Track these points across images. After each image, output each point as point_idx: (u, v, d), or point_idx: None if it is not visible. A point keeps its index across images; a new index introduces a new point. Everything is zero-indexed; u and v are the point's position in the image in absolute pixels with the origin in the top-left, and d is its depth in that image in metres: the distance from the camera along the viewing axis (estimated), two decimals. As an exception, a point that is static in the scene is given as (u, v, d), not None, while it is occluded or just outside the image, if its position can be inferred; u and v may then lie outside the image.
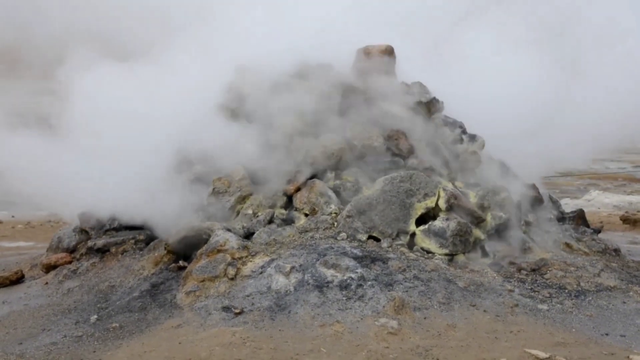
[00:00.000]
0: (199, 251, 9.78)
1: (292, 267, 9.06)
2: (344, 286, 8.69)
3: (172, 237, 10.29)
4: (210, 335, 7.80)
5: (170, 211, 10.76)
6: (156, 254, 10.36)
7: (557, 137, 13.05)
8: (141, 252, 10.77)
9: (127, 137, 11.52)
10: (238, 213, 10.91)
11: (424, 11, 14.78)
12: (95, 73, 12.52)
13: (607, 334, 7.98)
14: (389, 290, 8.64)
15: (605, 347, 7.54)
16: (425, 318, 8.19)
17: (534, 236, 11.09)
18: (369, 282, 8.76)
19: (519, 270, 9.90)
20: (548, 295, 9.09)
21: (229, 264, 9.30)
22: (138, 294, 9.38)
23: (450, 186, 10.90)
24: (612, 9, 15.58)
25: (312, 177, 11.13)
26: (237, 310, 8.36)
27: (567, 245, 11.00)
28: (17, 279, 11.16)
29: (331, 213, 10.45)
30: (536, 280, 9.60)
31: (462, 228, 10.27)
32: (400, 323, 7.98)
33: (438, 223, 10.31)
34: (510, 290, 9.10)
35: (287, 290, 8.73)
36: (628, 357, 7.22)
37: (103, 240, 11.23)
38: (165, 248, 10.25)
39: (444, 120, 12.25)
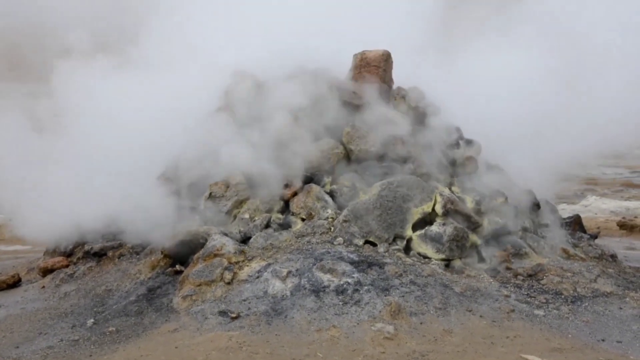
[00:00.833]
0: (196, 255, 9.79)
1: (289, 272, 9.06)
2: (340, 291, 8.69)
3: (168, 241, 10.28)
4: (207, 339, 7.80)
5: (163, 219, 10.75)
6: (153, 258, 10.35)
7: (557, 141, 13.04)
8: (138, 256, 10.76)
9: (118, 144, 11.54)
10: (235, 217, 10.91)
11: (421, 13, 14.76)
12: (86, 77, 12.55)
13: (603, 340, 7.99)
14: (385, 295, 8.65)
15: (602, 352, 7.55)
16: (421, 323, 8.20)
17: (531, 241, 11.09)
18: (366, 287, 8.76)
19: (516, 275, 9.92)
20: (544, 300, 9.10)
21: (226, 269, 9.30)
22: (135, 298, 9.38)
23: (446, 191, 10.92)
24: (614, 9, 15.54)
25: (309, 181, 11.14)
26: (233, 315, 8.36)
27: (564, 250, 11.01)
28: (14, 283, 11.15)
29: (328, 218, 10.46)
30: (532, 285, 9.61)
31: (459, 233, 10.28)
32: (396, 328, 7.99)
33: (435, 228, 10.33)
34: (507, 296, 9.11)
35: (283, 295, 8.74)
36: (624, 363, 7.24)
37: (100, 244, 11.23)
38: (161, 252, 10.24)
39: (441, 125, 12.24)
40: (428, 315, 8.41)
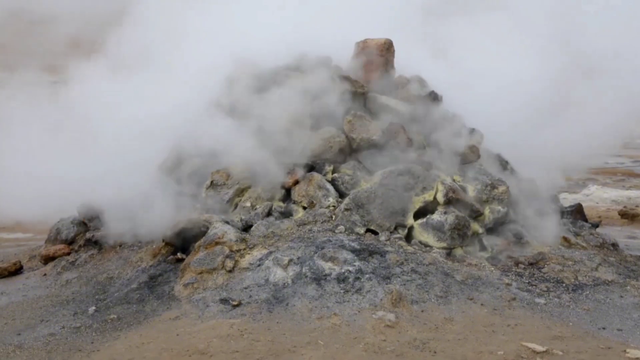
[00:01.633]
0: (197, 243, 9.79)
1: (290, 260, 9.07)
2: (341, 279, 8.70)
3: (169, 229, 10.28)
4: (208, 327, 7.82)
5: (165, 209, 10.75)
6: (154, 246, 10.36)
7: (561, 131, 12.99)
8: (139, 244, 10.77)
9: (122, 134, 11.53)
10: (236, 206, 10.90)
11: (423, 1, 14.70)
12: (90, 70, 12.53)
13: (604, 328, 8.00)
14: (386, 284, 8.66)
15: (602, 341, 7.56)
16: (422, 311, 8.21)
17: (532, 230, 11.08)
18: (367, 275, 8.77)
19: (517, 264, 9.92)
20: (545, 289, 9.11)
21: (227, 257, 9.31)
22: (136, 285, 9.39)
23: (448, 180, 10.90)
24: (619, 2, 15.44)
25: (311, 170, 11.14)
26: (234, 303, 8.38)
27: (565, 239, 11.00)
28: (16, 270, 11.16)
29: (329, 206, 10.46)
30: (534, 274, 9.62)
31: (460, 222, 10.28)
32: (397, 316, 8.00)
33: (436, 217, 10.32)
34: (508, 284, 9.12)
35: (284, 283, 8.75)
36: (625, 351, 7.24)
37: (101, 232, 11.24)
38: (163, 240, 10.25)
39: (443, 113, 12.22)
40: (429, 303, 8.42)
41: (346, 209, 10.25)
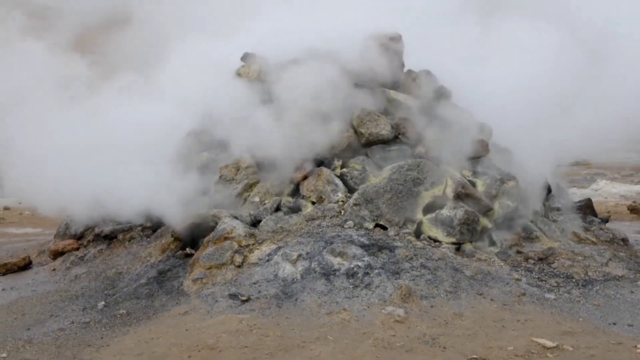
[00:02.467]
0: (206, 238, 9.80)
1: (299, 255, 9.06)
2: (350, 274, 8.68)
3: (179, 224, 10.29)
4: (217, 322, 7.81)
5: (178, 199, 10.74)
6: (163, 241, 10.37)
7: (571, 126, 12.89)
8: (148, 239, 10.79)
9: (135, 125, 11.53)
10: (245, 200, 10.90)
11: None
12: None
13: (614, 324, 7.95)
14: (395, 279, 8.64)
15: (613, 336, 7.52)
16: (432, 306, 8.19)
17: (542, 225, 11.06)
18: (376, 270, 8.75)
19: (527, 259, 9.90)
20: (555, 284, 9.08)
21: (236, 252, 9.31)
22: (145, 280, 9.40)
23: (457, 175, 10.87)
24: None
25: (319, 165, 11.12)
26: (244, 298, 8.38)
27: (575, 234, 10.97)
28: (25, 265, 11.20)
29: (338, 201, 10.44)
30: (544, 269, 9.59)
31: (470, 217, 10.26)
32: (407, 311, 7.98)
33: (445, 212, 10.30)
34: (518, 279, 9.09)
35: (294, 278, 8.74)
36: (636, 346, 7.19)
37: (110, 227, 11.26)
38: (172, 235, 10.26)
39: (452, 108, 12.18)
40: (439, 298, 8.40)
41: (355, 204, 10.23)
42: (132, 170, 10.97)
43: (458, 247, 10.04)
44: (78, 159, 11.26)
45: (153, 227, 11.07)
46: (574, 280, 9.27)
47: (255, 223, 10.33)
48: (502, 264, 9.63)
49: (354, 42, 12.16)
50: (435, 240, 10.04)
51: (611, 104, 12.74)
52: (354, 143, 11.33)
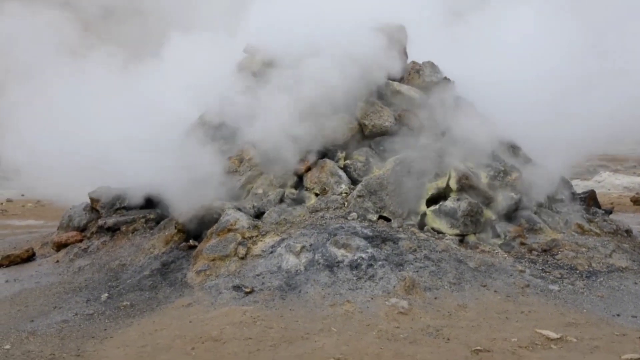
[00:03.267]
0: (210, 230, 9.80)
1: (303, 247, 9.06)
2: (354, 266, 8.68)
3: (182, 216, 10.29)
4: (221, 314, 7.81)
5: (181, 190, 10.75)
6: (167, 233, 10.37)
7: (577, 119, 12.85)
8: (152, 231, 10.80)
9: (142, 111, 11.56)
10: (248, 192, 10.90)
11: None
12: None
13: (618, 315, 7.94)
14: (399, 270, 8.63)
15: (617, 327, 7.51)
16: (435, 298, 8.18)
17: (545, 217, 11.03)
18: (380, 262, 8.74)
19: (530, 250, 9.88)
20: (559, 275, 9.06)
21: (240, 243, 9.31)
22: (149, 272, 9.40)
23: (461, 166, 10.85)
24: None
25: (323, 156, 11.11)
26: (247, 290, 8.37)
27: (579, 226, 10.94)
28: (28, 257, 11.21)
29: (342, 193, 10.43)
30: (547, 260, 9.57)
31: (473, 208, 10.24)
32: (410, 303, 7.97)
33: (449, 203, 10.29)
34: (521, 271, 9.08)
35: (297, 270, 8.73)
36: (639, 337, 7.19)
37: (113, 219, 11.27)
38: (175, 227, 10.26)
39: (456, 100, 12.15)
40: (442, 290, 8.39)
41: (359, 196, 10.22)
42: (135, 159, 11.00)
43: (462, 238, 10.03)
44: (84, 144, 11.34)
45: (156, 218, 11.09)
46: (577, 271, 9.26)
47: (258, 215, 10.33)
48: (506, 255, 9.62)
49: (357, 34, 12.12)
50: (439, 232, 10.04)
51: (618, 98, 12.67)
52: (358, 135, 11.33)
